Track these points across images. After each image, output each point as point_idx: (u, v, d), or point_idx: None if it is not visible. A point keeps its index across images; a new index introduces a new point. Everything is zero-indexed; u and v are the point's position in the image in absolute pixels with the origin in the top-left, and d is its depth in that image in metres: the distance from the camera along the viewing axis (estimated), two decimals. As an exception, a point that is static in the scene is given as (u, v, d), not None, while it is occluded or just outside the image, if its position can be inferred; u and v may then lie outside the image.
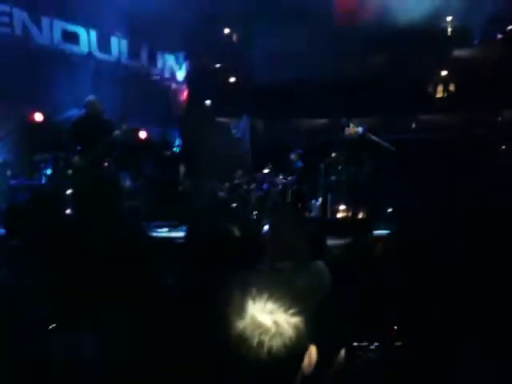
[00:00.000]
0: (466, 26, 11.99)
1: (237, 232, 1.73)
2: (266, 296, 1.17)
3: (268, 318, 1.14)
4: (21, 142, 8.30)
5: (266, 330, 1.13)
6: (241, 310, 1.15)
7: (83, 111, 7.39)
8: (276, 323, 1.14)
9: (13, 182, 7.93)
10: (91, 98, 7.37)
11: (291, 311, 1.17)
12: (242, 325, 1.14)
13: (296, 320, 1.17)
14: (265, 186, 9.85)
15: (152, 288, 2.08)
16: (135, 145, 9.66)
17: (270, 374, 1.13)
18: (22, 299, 1.57)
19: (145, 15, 9.08)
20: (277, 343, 1.13)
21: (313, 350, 1.23)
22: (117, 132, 7.24)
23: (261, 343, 1.13)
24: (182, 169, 9.75)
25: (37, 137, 8.52)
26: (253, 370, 1.13)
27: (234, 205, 9.36)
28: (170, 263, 2.45)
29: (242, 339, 1.13)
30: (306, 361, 1.21)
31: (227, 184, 9.94)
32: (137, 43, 10.89)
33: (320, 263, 3.56)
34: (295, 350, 1.16)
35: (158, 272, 2.41)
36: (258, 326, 1.14)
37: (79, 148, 7.17)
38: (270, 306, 1.16)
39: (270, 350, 1.13)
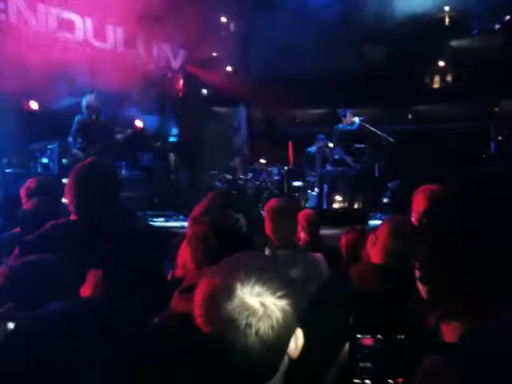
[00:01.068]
0: (463, 17, 11.96)
1: (243, 221, 1.72)
2: (253, 278, 1.18)
3: (256, 300, 1.16)
4: (16, 131, 8.25)
5: (253, 312, 1.15)
6: (229, 292, 1.16)
7: (83, 105, 7.52)
8: (264, 305, 1.16)
9: (8, 170, 7.91)
10: (89, 98, 7.53)
11: (278, 294, 1.18)
12: (229, 307, 1.15)
13: (283, 303, 1.19)
14: (261, 176, 9.86)
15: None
16: (132, 134, 9.62)
17: (256, 356, 1.15)
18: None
19: (140, 3, 9.02)
20: (264, 325, 1.15)
21: (299, 334, 1.24)
22: (120, 136, 7.45)
23: (248, 325, 1.14)
24: (172, 157, 9.74)
25: (32, 125, 8.48)
26: (240, 352, 1.14)
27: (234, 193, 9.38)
28: (167, 254, 2.43)
29: (229, 321, 1.14)
30: (292, 344, 1.22)
31: (224, 174, 9.94)
32: (132, 32, 10.81)
33: (318, 255, 3.58)
34: (282, 333, 1.18)
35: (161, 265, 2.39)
36: (246, 307, 1.15)
37: (80, 143, 7.37)
38: (258, 288, 1.17)
39: (257, 332, 1.14)
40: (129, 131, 7.76)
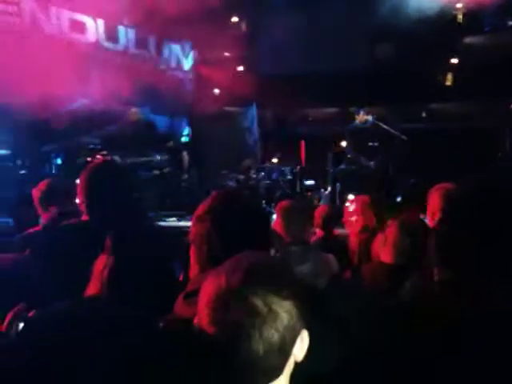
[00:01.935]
0: (476, 14, 11.84)
1: (248, 219, 1.72)
2: (258, 279, 1.17)
3: (260, 301, 1.14)
4: (30, 132, 8.32)
5: (257, 313, 1.14)
6: (233, 293, 1.15)
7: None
8: (268, 306, 1.14)
9: (22, 172, 7.97)
10: (134, 110, 7.83)
11: (283, 294, 1.17)
12: (234, 308, 1.14)
13: (288, 303, 1.17)
14: (273, 175, 9.85)
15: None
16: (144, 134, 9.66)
17: (261, 358, 1.14)
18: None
19: (151, 3, 9.05)
20: (268, 327, 1.14)
21: (305, 335, 1.23)
22: (158, 157, 7.71)
23: (252, 326, 1.13)
24: (185, 157, 9.75)
25: (46, 127, 8.53)
26: (244, 353, 1.13)
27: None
28: (179, 253, 2.43)
29: (233, 322, 1.13)
30: (298, 345, 1.21)
31: (236, 174, 9.94)
32: (144, 33, 10.85)
33: (329, 255, 3.58)
34: (287, 334, 1.16)
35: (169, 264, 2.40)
36: (250, 309, 1.14)
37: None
38: (262, 289, 1.15)
39: (261, 334, 1.13)
40: (166, 156, 8.14)
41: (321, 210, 4.82)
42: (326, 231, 4.65)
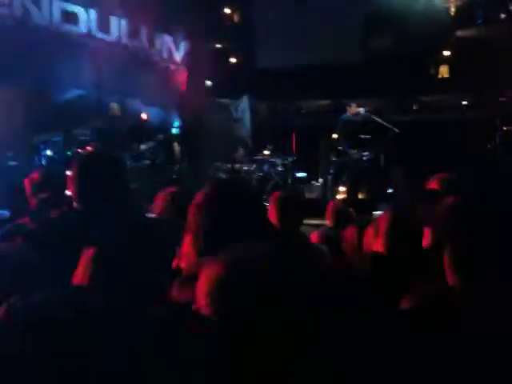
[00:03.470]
0: (469, 6, 11.87)
1: (244, 208, 1.73)
2: (255, 267, 1.18)
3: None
4: (21, 123, 8.26)
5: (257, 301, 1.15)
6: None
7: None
8: (264, 294, 1.16)
9: (13, 163, 7.91)
10: (113, 104, 7.80)
11: (278, 284, 1.18)
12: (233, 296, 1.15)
13: (281, 294, 1.18)
14: (265, 167, 9.84)
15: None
16: (136, 126, 9.62)
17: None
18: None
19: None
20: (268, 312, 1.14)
21: None
22: (143, 146, 7.68)
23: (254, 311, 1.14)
24: (176, 147, 9.73)
25: (36, 118, 8.48)
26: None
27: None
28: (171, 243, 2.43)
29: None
30: None
31: (228, 165, 9.93)
32: (136, 23, 10.76)
33: (323, 246, 3.59)
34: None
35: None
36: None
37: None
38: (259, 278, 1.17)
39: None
40: (152, 143, 8.15)
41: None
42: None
